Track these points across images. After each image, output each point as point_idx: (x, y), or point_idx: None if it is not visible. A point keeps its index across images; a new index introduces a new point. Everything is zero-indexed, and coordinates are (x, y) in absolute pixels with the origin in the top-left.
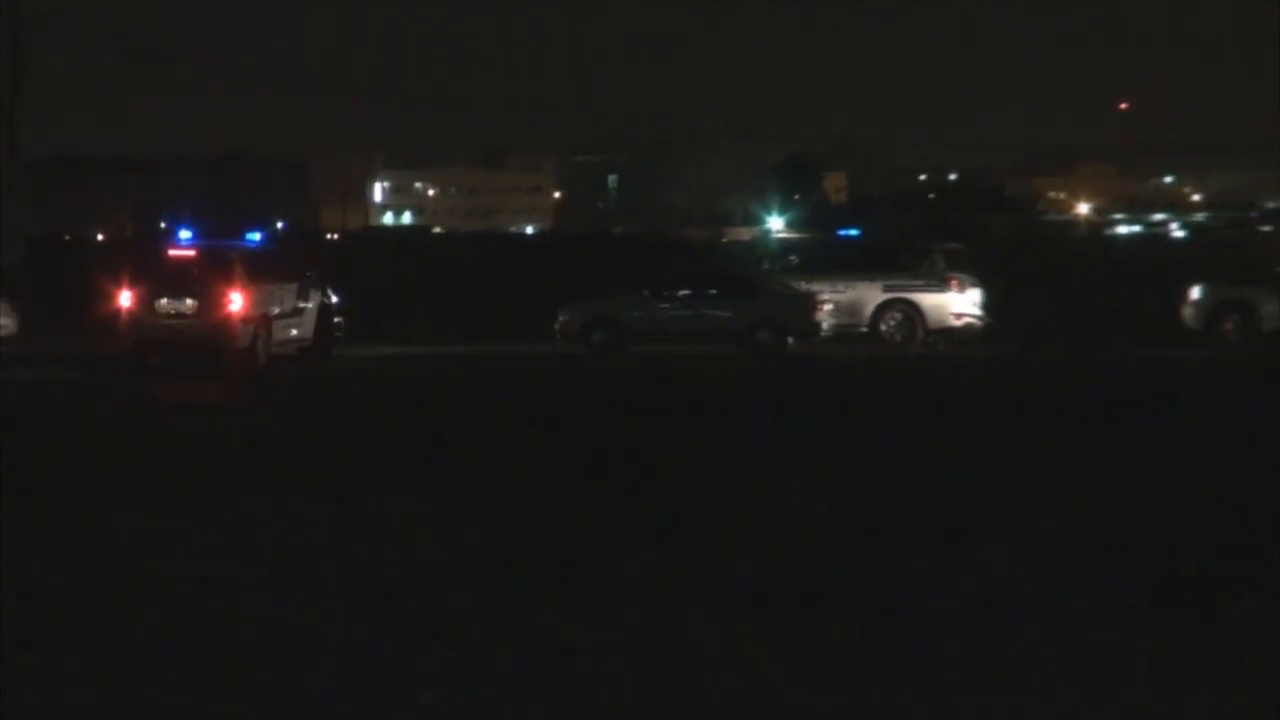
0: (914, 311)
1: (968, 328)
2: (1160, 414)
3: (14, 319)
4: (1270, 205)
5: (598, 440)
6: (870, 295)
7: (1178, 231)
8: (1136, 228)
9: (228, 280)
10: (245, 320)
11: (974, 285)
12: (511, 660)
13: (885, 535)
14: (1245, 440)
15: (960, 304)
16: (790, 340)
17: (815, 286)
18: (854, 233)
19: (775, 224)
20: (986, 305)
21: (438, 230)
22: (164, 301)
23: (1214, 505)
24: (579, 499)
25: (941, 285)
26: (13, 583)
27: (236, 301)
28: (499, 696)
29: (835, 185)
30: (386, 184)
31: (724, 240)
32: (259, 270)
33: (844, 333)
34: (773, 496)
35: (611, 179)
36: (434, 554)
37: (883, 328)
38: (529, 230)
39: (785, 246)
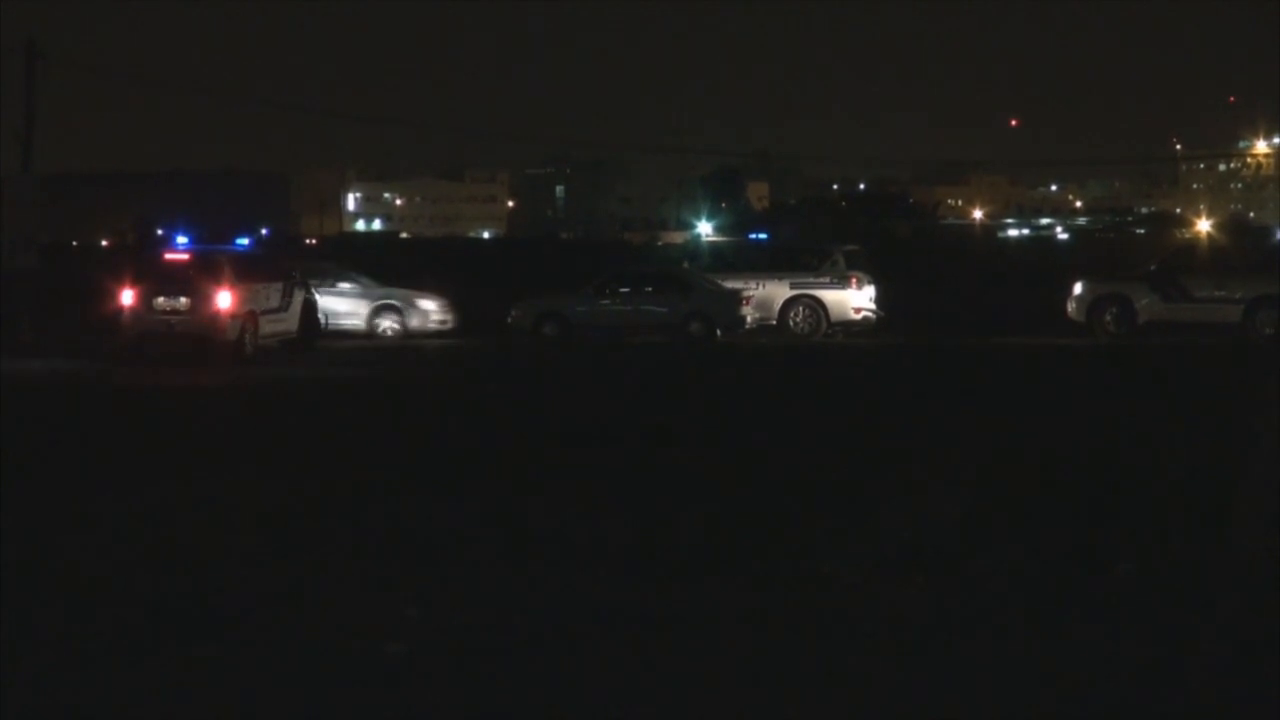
0: (818, 306)
1: (865, 320)
2: (1034, 392)
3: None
4: (1143, 210)
5: (550, 416)
6: (779, 292)
7: (1062, 234)
8: (1025, 231)
9: (217, 280)
10: (233, 316)
11: (870, 283)
12: (470, 617)
13: (798, 498)
14: (1114, 416)
15: (859, 299)
16: (718, 332)
17: (730, 284)
18: (763, 236)
19: (705, 229)
20: (883, 300)
21: (405, 235)
22: (161, 299)
23: (1093, 475)
24: (528, 468)
25: (842, 283)
26: (17, 554)
27: (225, 299)
28: (461, 649)
29: (758, 194)
30: (359, 194)
31: (659, 243)
32: (246, 272)
33: (756, 325)
34: (701, 464)
35: (559, 189)
36: (396, 521)
37: (790, 321)
38: (486, 235)
39: (711, 249)
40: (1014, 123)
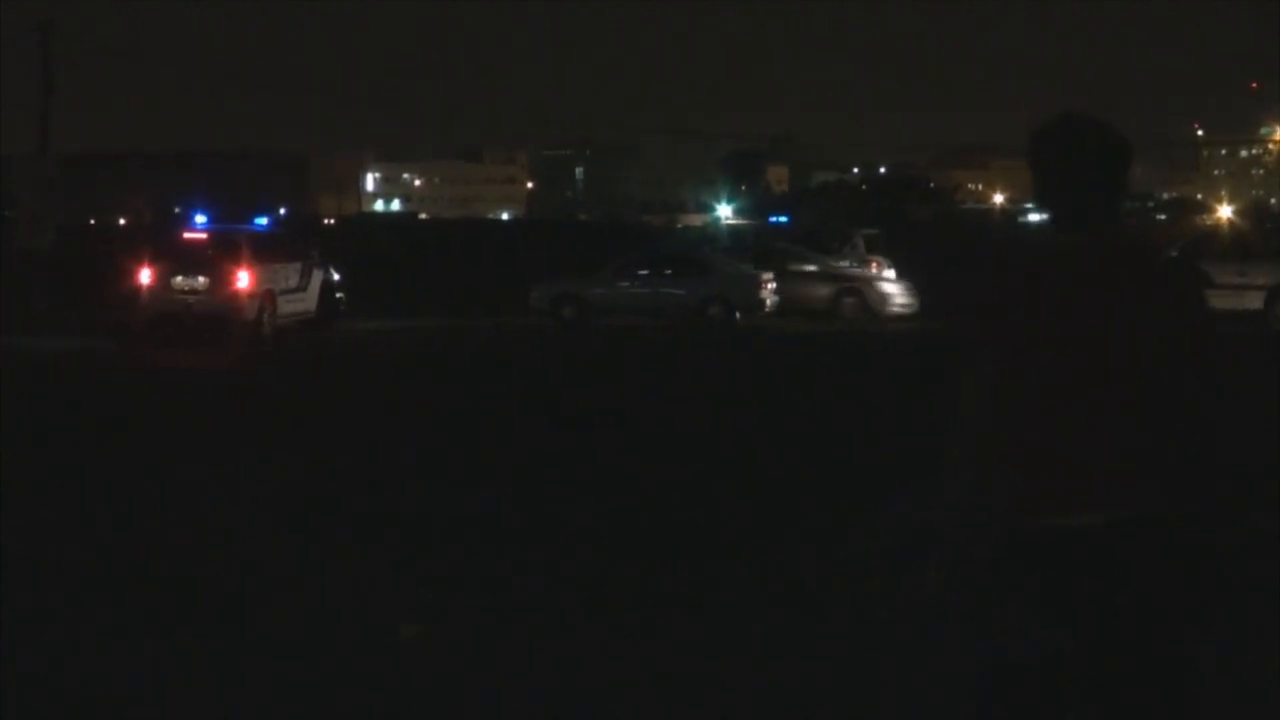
0: None
1: None
2: None
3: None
4: (1164, 196)
5: (563, 401)
6: None
7: None
8: (1045, 215)
9: (235, 260)
10: (251, 296)
11: (890, 266)
12: (484, 601)
13: (809, 484)
14: None
15: None
16: (738, 315)
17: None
18: (783, 220)
19: (724, 211)
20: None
21: (423, 216)
22: (179, 279)
23: None
24: (540, 453)
25: (862, 267)
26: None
27: (243, 279)
28: (472, 633)
29: (777, 177)
30: (378, 175)
31: (679, 226)
32: (264, 251)
33: (775, 308)
34: (714, 449)
35: (578, 170)
36: (412, 504)
37: None
38: (505, 216)
39: (731, 233)
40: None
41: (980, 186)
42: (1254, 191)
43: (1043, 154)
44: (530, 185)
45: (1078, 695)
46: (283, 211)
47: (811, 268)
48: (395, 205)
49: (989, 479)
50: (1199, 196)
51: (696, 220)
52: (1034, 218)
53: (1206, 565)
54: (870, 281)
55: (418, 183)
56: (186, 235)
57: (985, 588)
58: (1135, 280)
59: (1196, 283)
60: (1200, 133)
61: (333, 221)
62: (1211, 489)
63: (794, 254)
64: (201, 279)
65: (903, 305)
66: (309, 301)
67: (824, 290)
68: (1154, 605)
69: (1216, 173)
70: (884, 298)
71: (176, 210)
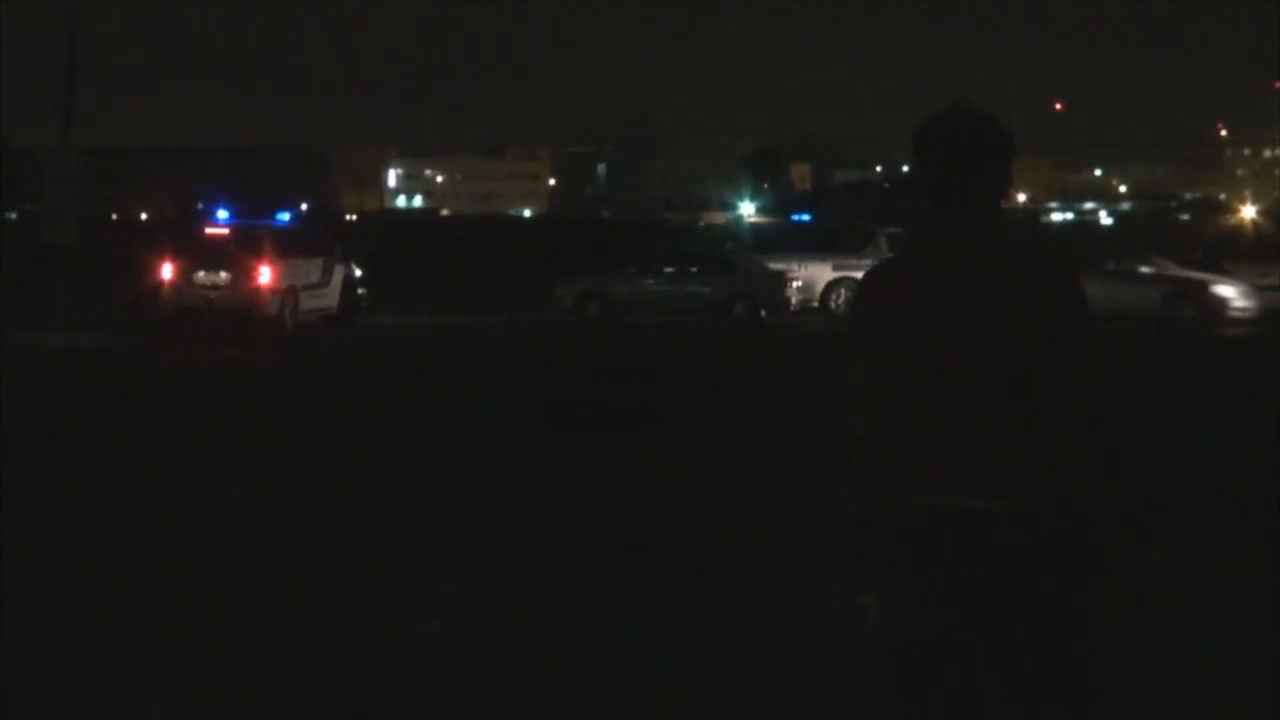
0: None
1: None
2: None
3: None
4: (1187, 196)
5: (581, 398)
6: (821, 274)
7: (1106, 219)
8: (1069, 215)
9: (257, 255)
10: (273, 291)
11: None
12: (495, 600)
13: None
14: (1149, 403)
15: None
16: (763, 313)
17: (772, 265)
18: (806, 218)
19: (747, 209)
20: None
21: (445, 212)
22: (201, 274)
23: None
24: (560, 451)
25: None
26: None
27: (265, 274)
28: (495, 630)
29: (800, 175)
30: (399, 171)
31: (701, 224)
32: (286, 247)
33: (799, 307)
34: (737, 445)
35: (600, 168)
36: (430, 502)
37: (832, 303)
38: (526, 213)
39: (754, 230)
40: (1059, 106)
41: None
42: (1277, 192)
43: (924, 145)
44: (552, 182)
45: (981, 671)
46: (305, 207)
47: (1145, 269)
48: (417, 201)
49: (875, 468)
50: (1222, 197)
51: (719, 218)
52: (1056, 216)
53: (1070, 557)
54: (1206, 284)
55: (439, 179)
56: (209, 230)
57: (879, 571)
58: (1009, 277)
59: (1072, 280)
60: (1224, 133)
61: (355, 218)
62: (1080, 487)
63: (1133, 255)
64: (224, 274)
65: (1242, 309)
66: (331, 297)
67: (1153, 293)
68: (1023, 591)
69: (1240, 173)
70: (1222, 301)
71: (199, 205)
